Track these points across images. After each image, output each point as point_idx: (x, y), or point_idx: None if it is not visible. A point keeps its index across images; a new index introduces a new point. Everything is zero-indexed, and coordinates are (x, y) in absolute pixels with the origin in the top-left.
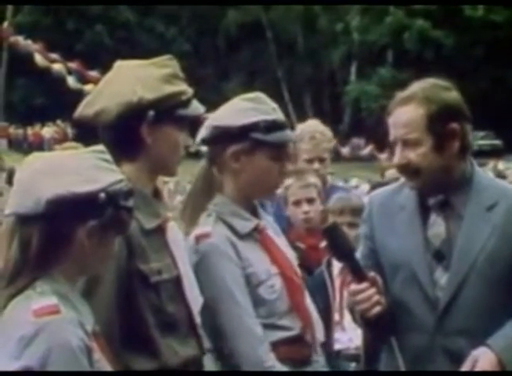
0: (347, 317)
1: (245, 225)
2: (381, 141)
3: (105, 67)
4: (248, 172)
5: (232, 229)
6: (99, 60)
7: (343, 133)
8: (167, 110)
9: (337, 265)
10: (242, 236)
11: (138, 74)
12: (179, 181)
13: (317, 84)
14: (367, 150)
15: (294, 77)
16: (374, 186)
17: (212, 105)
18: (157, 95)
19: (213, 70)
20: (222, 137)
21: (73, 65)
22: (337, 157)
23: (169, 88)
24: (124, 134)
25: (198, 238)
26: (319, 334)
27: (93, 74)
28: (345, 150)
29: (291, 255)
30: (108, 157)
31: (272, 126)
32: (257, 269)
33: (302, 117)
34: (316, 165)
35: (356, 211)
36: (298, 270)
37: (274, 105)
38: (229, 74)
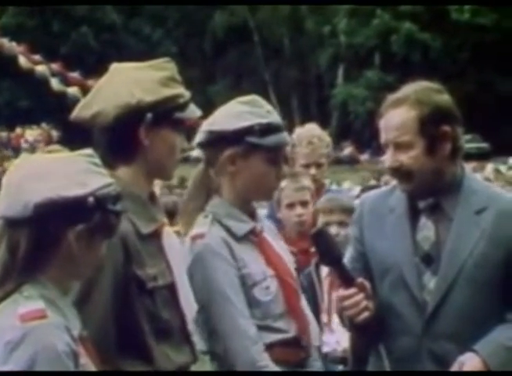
0: (336, 319)
1: (241, 227)
2: (366, 144)
3: (90, 70)
4: (244, 175)
5: (228, 231)
6: (84, 62)
7: (330, 137)
8: (164, 113)
9: (325, 267)
10: (238, 238)
11: (136, 76)
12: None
13: (304, 88)
14: (347, 152)
15: (281, 81)
16: (364, 190)
17: (198, 108)
18: (155, 98)
19: (199, 72)
20: (218, 141)
21: (55, 66)
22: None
23: (167, 91)
24: (121, 136)
25: (193, 239)
26: (315, 338)
27: (75, 75)
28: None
29: (289, 259)
30: (97, 160)
31: (267, 129)
32: (252, 270)
33: (289, 121)
34: (313, 170)
35: (346, 210)
36: (295, 274)
37: (269, 107)
38: (216, 76)
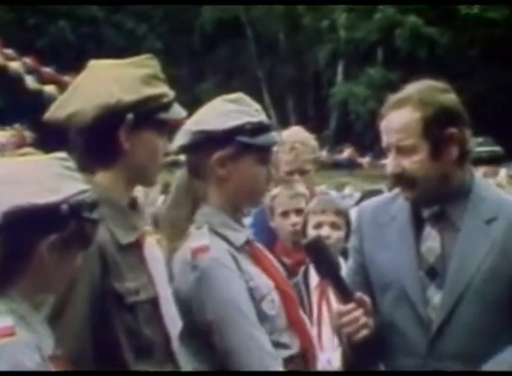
0: (326, 334)
1: (238, 236)
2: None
3: (68, 65)
4: (235, 179)
5: (228, 242)
6: (62, 57)
7: (329, 139)
8: (146, 114)
9: (315, 276)
10: (237, 249)
11: (115, 74)
12: (148, 192)
13: (301, 86)
14: (346, 154)
15: (276, 79)
16: (365, 195)
17: (185, 107)
18: (137, 98)
19: (187, 69)
20: (205, 143)
21: (28, 61)
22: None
23: (149, 90)
24: (99, 139)
25: (195, 252)
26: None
27: (49, 71)
28: (323, 155)
29: (280, 269)
30: (71, 164)
31: (258, 128)
32: (259, 283)
33: (284, 122)
34: (297, 178)
35: (339, 211)
36: (290, 283)
37: (257, 106)
38: (205, 74)
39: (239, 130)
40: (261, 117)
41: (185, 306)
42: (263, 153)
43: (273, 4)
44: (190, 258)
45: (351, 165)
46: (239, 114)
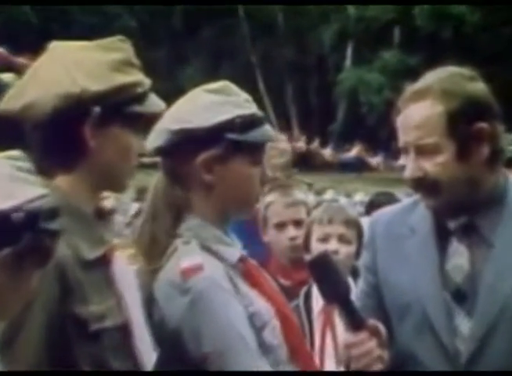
0: (330, 368)
1: (231, 252)
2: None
3: (27, 47)
4: (225, 184)
5: (221, 259)
6: (20, 38)
7: (335, 135)
8: (117, 106)
9: (318, 299)
10: (232, 267)
11: (79, 58)
12: (120, 198)
13: (302, 72)
14: (353, 153)
15: (272, 63)
16: (375, 199)
17: (165, 98)
18: (105, 87)
19: (166, 53)
20: (187, 143)
21: None
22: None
23: (120, 78)
24: (60, 135)
25: (186, 273)
26: None
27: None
28: (327, 153)
29: (277, 289)
30: (27, 165)
31: (250, 122)
32: (259, 308)
33: (282, 114)
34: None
35: (350, 221)
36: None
37: (246, 95)
38: (188, 58)
39: (227, 126)
40: (252, 108)
41: (174, 338)
42: (256, 152)
43: (273, 4)
44: (180, 279)
45: (359, 166)
46: (227, 107)
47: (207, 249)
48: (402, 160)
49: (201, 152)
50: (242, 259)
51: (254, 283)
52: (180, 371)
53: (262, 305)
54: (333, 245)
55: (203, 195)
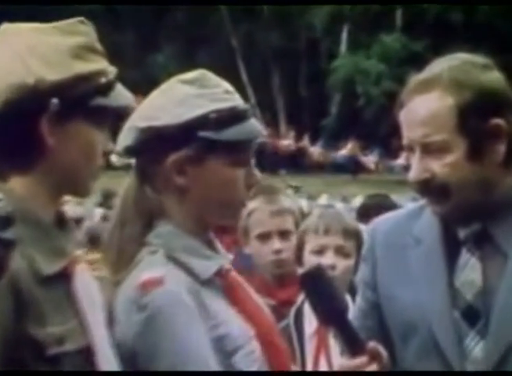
0: None
1: (206, 265)
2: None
3: None
4: (200, 187)
5: (190, 273)
6: None
7: (328, 131)
8: (78, 99)
9: (311, 320)
10: (202, 283)
11: (34, 43)
12: (82, 202)
13: (290, 59)
14: (346, 151)
15: (256, 49)
16: (366, 207)
17: (133, 87)
18: (64, 76)
19: (134, 36)
20: (157, 142)
21: None
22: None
23: (81, 66)
24: (14, 131)
25: (144, 287)
26: None
27: None
28: (316, 152)
29: (265, 309)
30: None
31: (229, 117)
32: (231, 330)
33: (268, 106)
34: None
35: (348, 232)
36: (278, 330)
37: (227, 86)
38: (158, 42)
39: (200, 122)
40: (233, 101)
41: (129, 359)
42: (237, 151)
43: (273, 4)
44: (138, 293)
45: (353, 167)
46: (201, 100)
47: (174, 261)
48: (401, 160)
49: (172, 152)
50: (222, 274)
51: (235, 300)
52: (180, 372)
53: (238, 326)
54: (329, 258)
55: (177, 199)
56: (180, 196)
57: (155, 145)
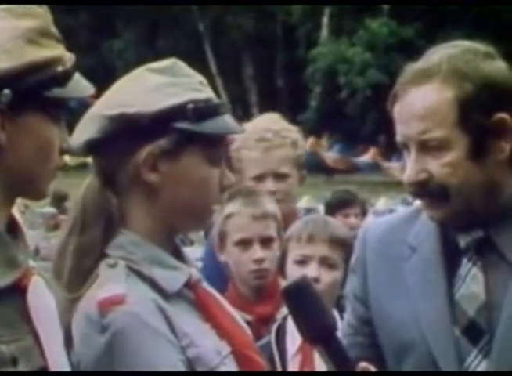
0: None
1: (172, 277)
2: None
3: None
4: (172, 187)
5: (155, 287)
6: None
7: (307, 126)
8: (32, 89)
9: (295, 337)
10: (170, 297)
11: None
12: (30, 207)
13: (264, 46)
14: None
15: (226, 35)
16: (331, 204)
17: (87, 75)
18: (16, 64)
19: (88, 20)
20: (128, 132)
21: None
22: None
23: (35, 53)
24: None
25: (104, 306)
26: None
27: None
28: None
29: (243, 323)
30: None
31: (205, 109)
32: (204, 349)
33: (239, 98)
34: (270, 184)
35: (335, 240)
36: (256, 345)
37: (201, 77)
38: (117, 27)
39: (177, 112)
40: (207, 92)
41: None
42: (213, 148)
43: (271, 4)
44: (97, 313)
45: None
46: (176, 89)
47: (137, 274)
48: (391, 164)
49: (145, 144)
50: (192, 286)
51: (208, 314)
52: (180, 372)
53: (212, 345)
54: (313, 270)
55: (144, 201)
56: (148, 197)
57: (124, 137)
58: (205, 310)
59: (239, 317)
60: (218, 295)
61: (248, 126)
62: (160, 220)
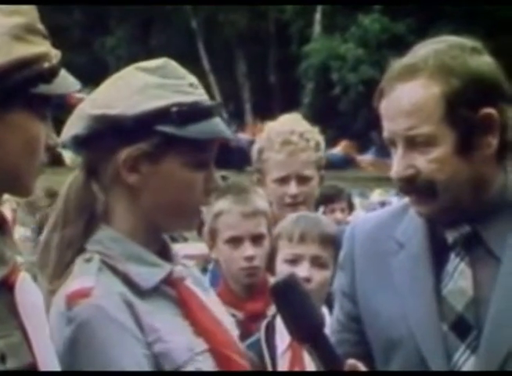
0: None
1: (149, 273)
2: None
3: None
4: (153, 188)
5: (129, 282)
6: None
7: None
8: (18, 86)
9: (284, 335)
10: (144, 293)
11: None
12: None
13: (257, 43)
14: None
15: (219, 32)
16: (317, 199)
17: (80, 72)
18: (3, 61)
19: (79, 15)
20: (110, 133)
21: None
22: None
23: (22, 49)
24: None
25: (71, 298)
26: None
27: None
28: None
29: (228, 322)
30: None
31: (192, 113)
32: (172, 346)
33: (232, 96)
34: (293, 188)
35: (326, 239)
36: (241, 346)
37: (193, 79)
38: (109, 24)
39: (161, 115)
40: (197, 95)
41: None
42: (199, 151)
43: (271, 4)
44: (66, 305)
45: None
46: (162, 91)
47: (111, 269)
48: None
49: (125, 146)
50: (171, 282)
51: (188, 312)
52: (180, 372)
53: (184, 342)
54: (304, 270)
55: (124, 199)
56: (129, 196)
57: (108, 136)
58: (185, 307)
59: (224, 316)
60: (201, 294)
61: (272, 126)
62: (142, 219)
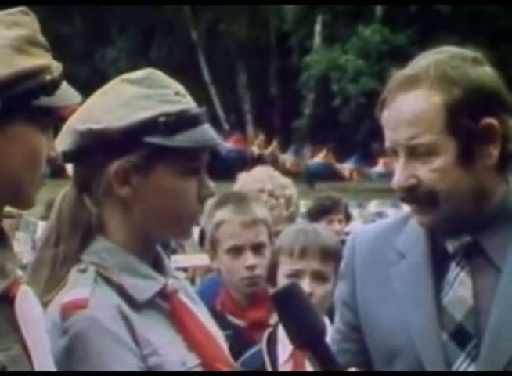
0: None
1: (144, 286)
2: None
3: None
4: (145, 199)
5: (123, 295)
6: None
7: (301, 133)
8: (19, 98)
9: (285, 344)
10: (139, 306)
11: None
12: (21, 214)
13: (257, 54)
14: (319, 158)
15: (219, 42)
16: (314, 211)
17: (81, 84)
18: (4, 73)
19: (81, 27)
20: (98, 147)
21: None
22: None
23: (23, 62)
24: None
25: (67, 309)
26: None
27: None
28: (288, 161)
29: (218, 335)
30: None
31: (179, 122)
32: (165, 358)
33: (233, 107)
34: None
35: (327, 252)
36: (231, 360)
37: (179, 87)
38: (110, 35)
39: (148, 126)
40: (184, 103)
41: None
42: (189, 159)
43: (271, 4)
44: (60, 316)
45: (329, 174)
46: (148, 102)
47: (106, 280)
48: (379, 167)
49: (114, 159)
50: (164, 295)
51: (180, 326)
52: (180, 372)
53: (177, 355)
54: (305, 285)
55: (119, 212)
56: (122, 208)
57: (95, 151)
58: (178, 321)
59: (213, 328)
60: (193, 308)
61: (242, 183)
62: (136, 230)
